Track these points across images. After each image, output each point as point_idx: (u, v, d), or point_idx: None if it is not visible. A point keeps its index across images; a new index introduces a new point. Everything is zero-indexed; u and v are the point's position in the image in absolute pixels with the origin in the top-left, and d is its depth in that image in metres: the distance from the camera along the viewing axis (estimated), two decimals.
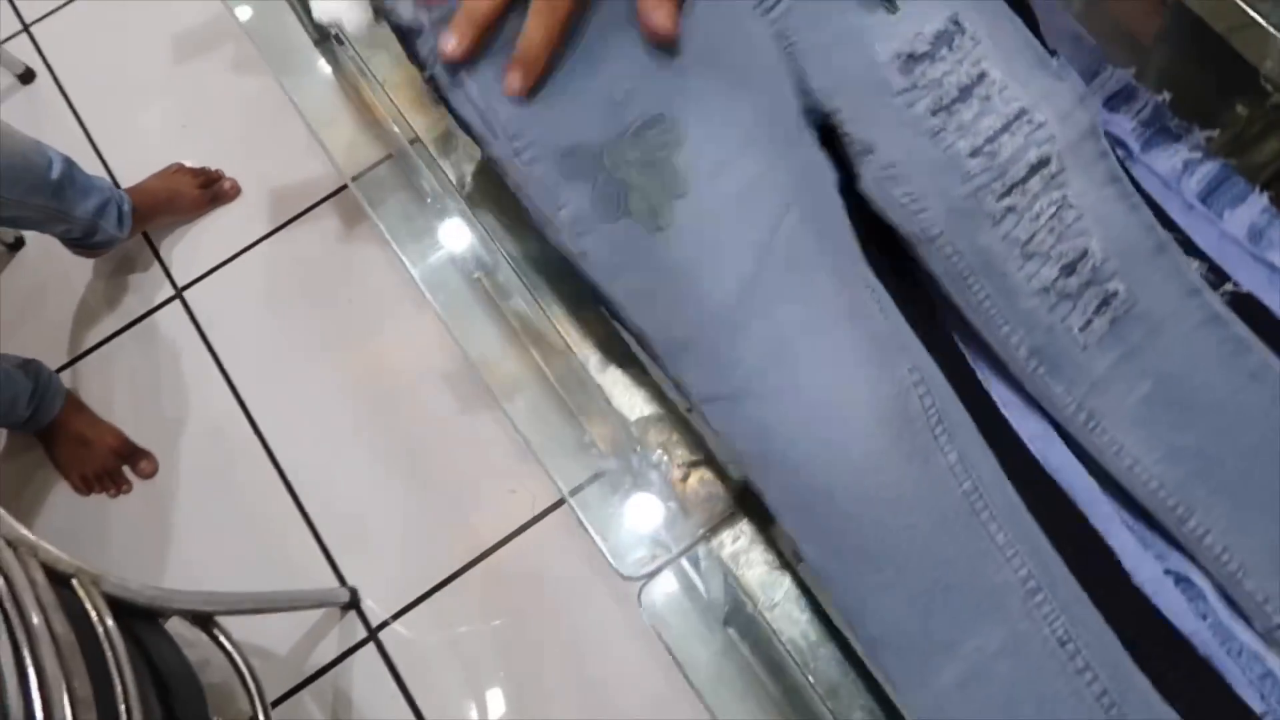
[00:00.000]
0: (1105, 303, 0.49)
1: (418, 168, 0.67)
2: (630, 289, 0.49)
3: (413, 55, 0.52)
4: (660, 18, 0.46)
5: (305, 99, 0.72)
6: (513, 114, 0.49)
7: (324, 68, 0.72)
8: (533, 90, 0.49)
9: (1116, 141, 0.55)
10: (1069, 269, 0.49)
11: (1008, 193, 0.49)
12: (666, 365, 0.50)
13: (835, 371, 0.46)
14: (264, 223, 1.53)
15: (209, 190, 1.51)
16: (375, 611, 1.30)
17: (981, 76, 0.49)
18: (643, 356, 0.55)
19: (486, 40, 0.49)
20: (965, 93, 0.49)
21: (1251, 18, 0.64)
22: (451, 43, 0.48)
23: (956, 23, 0.50)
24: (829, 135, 0.51)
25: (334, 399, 1.40)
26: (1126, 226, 0.50)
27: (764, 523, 0.55)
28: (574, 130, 0.49)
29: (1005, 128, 0.49)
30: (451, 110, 0.52)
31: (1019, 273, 0.49)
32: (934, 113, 0.49)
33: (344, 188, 1.54)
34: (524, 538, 1.31)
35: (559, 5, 0.46)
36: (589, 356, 0.58)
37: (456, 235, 0.64)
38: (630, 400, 0.56)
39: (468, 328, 0.62)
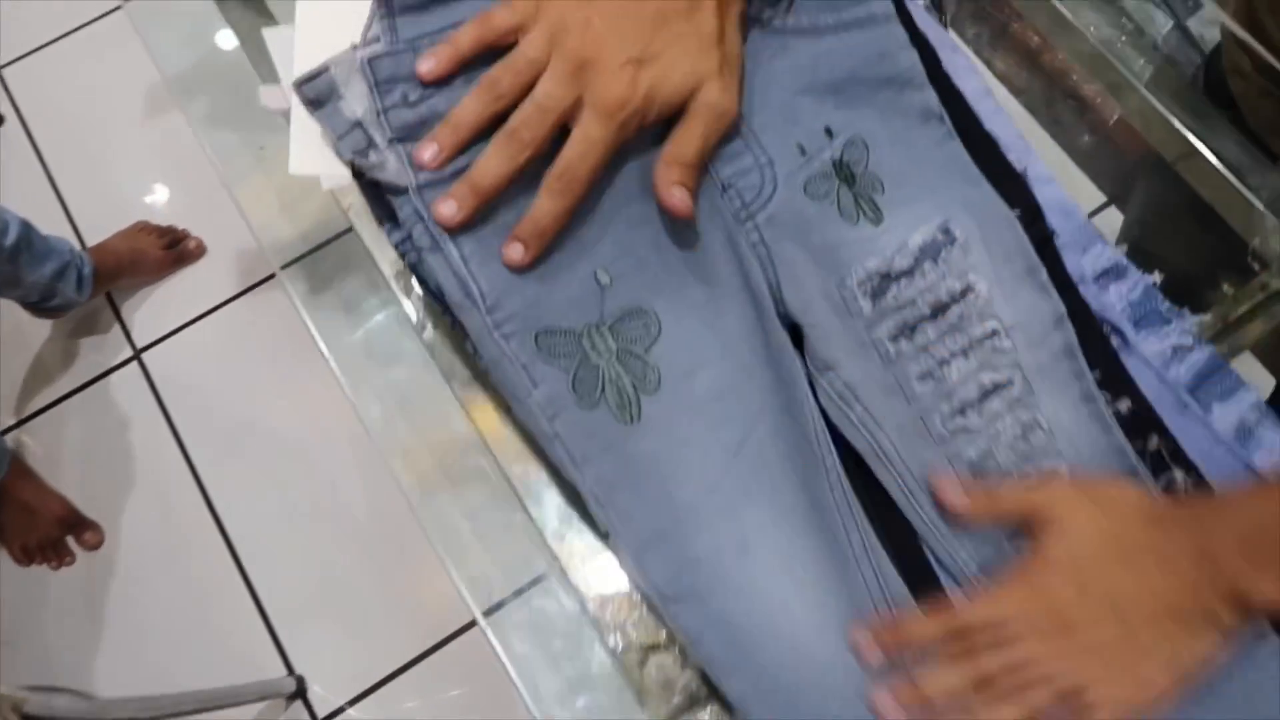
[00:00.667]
0: None
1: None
2: (599, 477, 0.47)
3: (387, 214, 0.50)
4: (675, 200, 0.46)
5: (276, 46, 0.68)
6: (494, 284, 0.47)
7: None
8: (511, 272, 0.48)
9: (1111, 327, 0.53)
10: None
11: (960, 413, 0.48)
12: (629, 557, 0.48)
13: (798, 575, 0.46)
14: (231, 284, 1.50)
15: (174, 251, 1.48)
16: (324, 700, 1.26)
17: (967, 290, 0.49)
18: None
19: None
20: (940, 310, 0.49)
21: (1241, 193, 0.64)
22: (450, 208, 0.46)
23: (946, 231, 0.49)
24: (798, 339, 0.50)
25: (293, 474, 1.36)
26: (1098, 448, 0.48)
27: (724, 713, 0.52)
28: (556, 310, 0.48)
29: (965, 350, 0.48)
30: (421, 275, 0.49)
31: None
32: (894, 338, 0.49)
33: (317, 249, 1.51)
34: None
35: (575, 186, 0.46)
36: (548, 521, 0.55)
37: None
38: (585, 574, 0.53)
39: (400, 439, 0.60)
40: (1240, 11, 0.76)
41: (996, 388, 0.49)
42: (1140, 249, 0.62)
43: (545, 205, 0.46)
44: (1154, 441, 0.50)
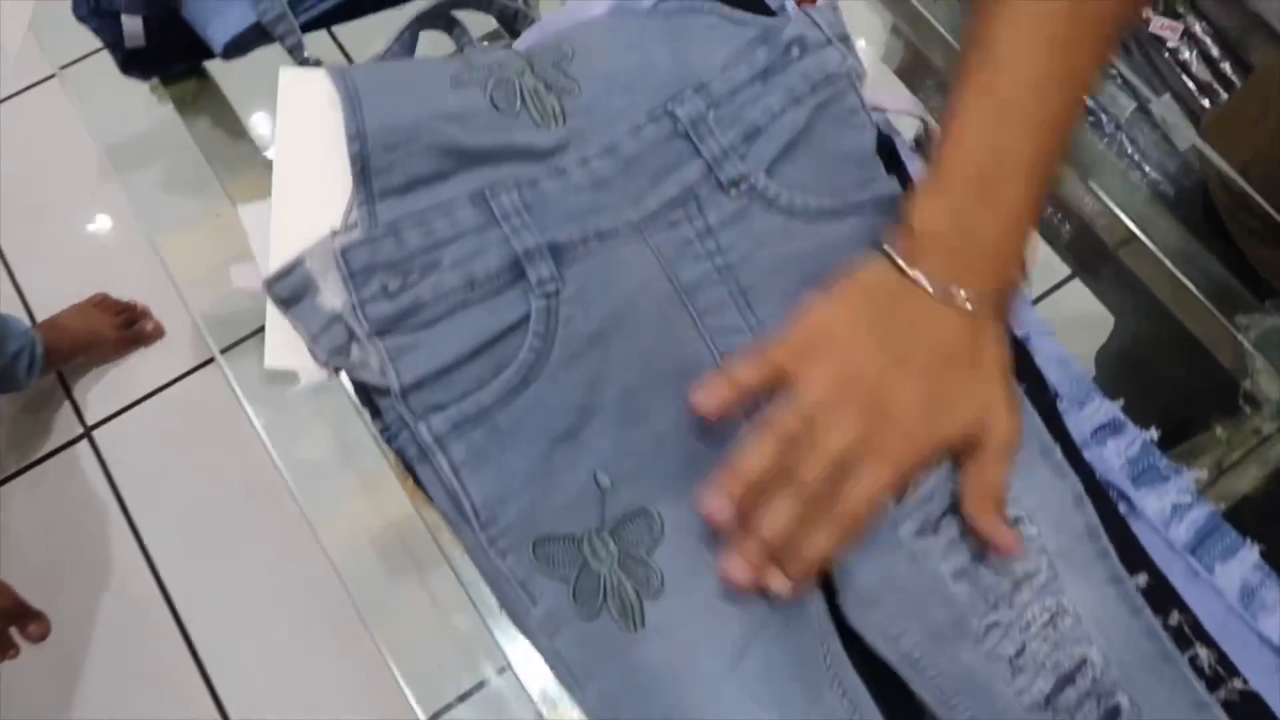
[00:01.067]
0: (1108, 718, 0.45)
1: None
2: (603, 691, 0.45)
3: (376, 414, 0.48)
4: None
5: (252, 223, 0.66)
6: (487, 496, 0.45)
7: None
8: (515, 471, 0.45)
9: (1110, 486, 0.53)
10: (1067, 679, 0.46)
11: (993, 608, 0.46)
12: None
13: None
14: (188, 357, 1.46)
15: (130, 331, 1.43)
16: None
17: None
18: None
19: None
20: (954, 506, 0.46)
21: (1231, 332, 0.64)
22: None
23: None
24: None
25: (255, 562, 1.32)
26: (1129, 631, 0.47)
27: None
28: (554, 516, 0.46)
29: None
30: (418, 481, 0.47)
31: (1008, 689, 0.46)
32: (919, 534, 0.47)
33: (256, 333, 1.48)
34: None
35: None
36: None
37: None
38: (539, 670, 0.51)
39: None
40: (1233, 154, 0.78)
41: (1026, 576, 0.47)
42: (1126, 379, 0.61)
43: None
44: (1175, 617, 0.49)
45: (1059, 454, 0.49)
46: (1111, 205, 0.69)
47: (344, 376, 0.48)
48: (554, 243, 0.47)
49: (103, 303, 1.44)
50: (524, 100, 0.49)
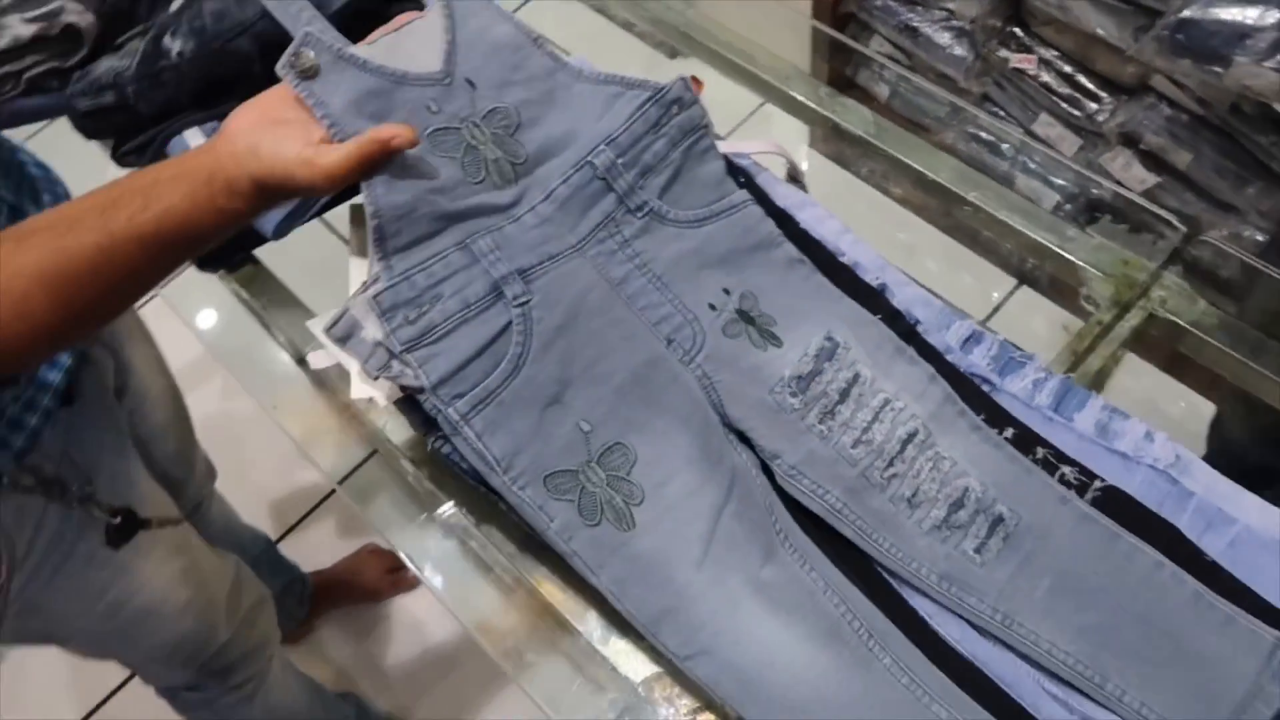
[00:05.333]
0: (995, 526, 0.62)
1: (399, 463, 0.78)
2: (613, 577, 0.62)
3: (422, 423, 0.66)
4: None
5: (287, 414, 0.84)
6: (504, 450, 0.63)
7: (303, 381, 0.85)
8: (520, 431, 0.63)
9: (980, 378, 0.69)
10: (956, 505, 0.63)
11: (889, 465, 0.64)
12: (649, 633, 0.61)
13: (778, 618, 0.60)
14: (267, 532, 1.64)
15: (394, 576, 1.53)
16: None
17: (856, 377, 0.66)
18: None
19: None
20: (844, 395, 0.65)
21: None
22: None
23: (830, 338, 0.67)
24: (747, 439, 0.66)
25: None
26: (995, 460, 0.64)
27: None
28: (554, 458, 0.64)
29: (875, 418, 0.65)
30: (448, 459, 0.65)
31: (909, 520, 0.63)
32: (821, 420, 0.65)
33: (333, 492, 1.67)
34: None
35: None
36: (593, 631, 0.69)
37: (449, 522, 0.75)
38: (633, 664, 0.67)
39: (474, 605, 0.73)
40: None
41: (910, 436, 0.65)
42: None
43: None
44: (1040, 452, 0.66)
45: (911, 352, 0.67)
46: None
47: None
48: (520, 268, 0.66)
49: (374, 551, 1.56)
50: (487, 170, 0.69)
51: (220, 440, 1.72)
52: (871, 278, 0.72)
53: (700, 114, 0.73)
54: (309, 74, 0.64)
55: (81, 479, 0.78)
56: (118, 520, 0.80)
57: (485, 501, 0.69)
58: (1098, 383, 0.75)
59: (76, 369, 0.79)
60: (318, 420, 0.85)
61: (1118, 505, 0.62)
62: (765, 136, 0.81)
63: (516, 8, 2.45)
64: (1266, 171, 1.34)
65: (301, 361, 0.86)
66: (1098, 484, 0.64)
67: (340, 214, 0.81)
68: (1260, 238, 1.39)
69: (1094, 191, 1.53)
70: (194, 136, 0.81)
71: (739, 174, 0.74)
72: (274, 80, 0.66)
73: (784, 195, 0.75)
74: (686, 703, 0.66)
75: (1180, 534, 0.61)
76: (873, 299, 0.70)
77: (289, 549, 1.60)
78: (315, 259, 0.90)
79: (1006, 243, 0.87)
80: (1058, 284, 0.83)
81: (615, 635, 0.68)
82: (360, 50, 0.68)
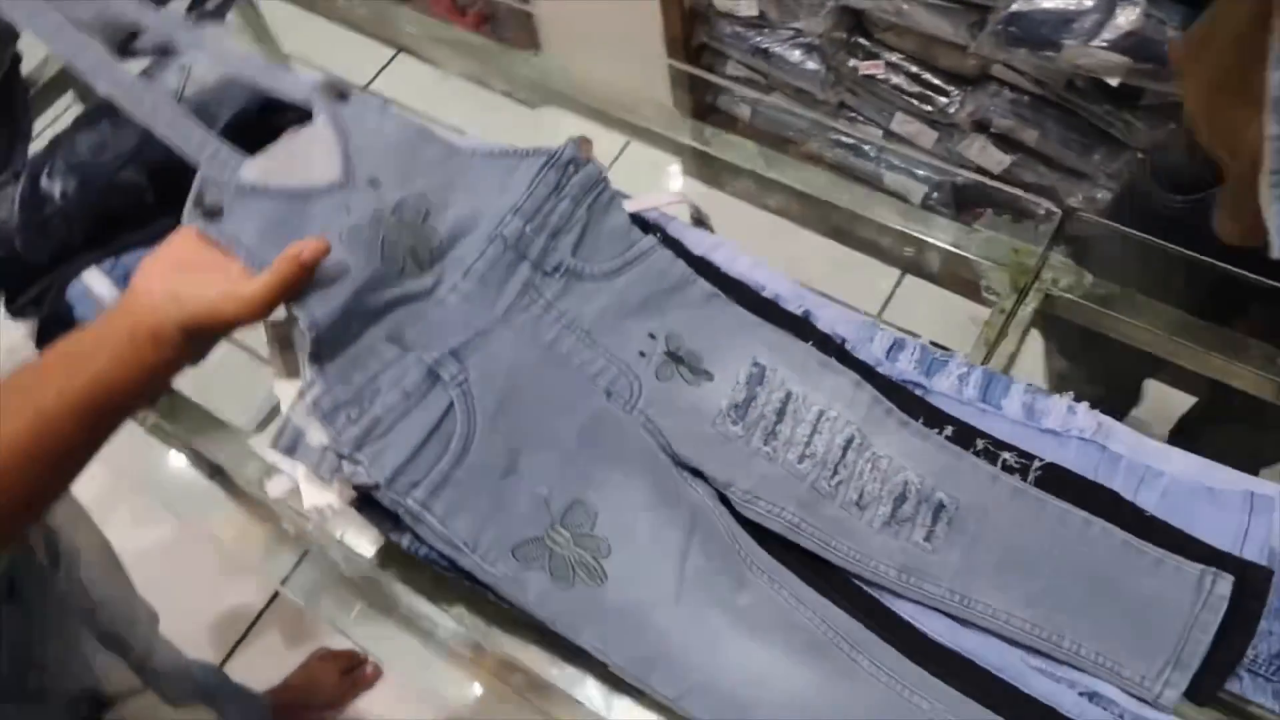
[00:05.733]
0: (938, 513, 0.66)
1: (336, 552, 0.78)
2: (595, 634, 0.63)
3: (388, 523, 0.66)
4: None
5: (213, 527, 0.83)
6: (470, 530, 0.64)
7: (220, 494, 0.84)
8: (481, 507, 0.64)
9: (911, 384, 0.73)
10: (899, 499, 0.66)
11: (834, 473, 0.67)
12: (641, 683, 0.63)
13: (758, 641, 0.63)
14: (211, 657, 1.58)
15: (351, 678, 1.47)
16: None
17: (788, 395, 0.69)
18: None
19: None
20: (780, 414, 0.69)
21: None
22: None
23: (757, 363, 0.70)
24: (699, 473, 0.69)
25: None
26: (927, 451, 0.68)
27: None
28: (519, 528, 0.65)
29: (814, 430, 0.68)
30: (427, 557, 0.65)
31: (861, 522, 0.66)
32: (765, 441, 0.68)
33: (270, 603, 1.62)
34: None
35: None
36: (592, 696, 0.69)
37: (408, 610, 0.75)
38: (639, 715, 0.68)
39: (445, 693, 0.73)
40: None
41: (849, 442, 0.68)
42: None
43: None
44: (979, 443, 0.70)
45: (834, 362, 0.71)
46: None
47: None
48: (452, 348, 0.67)
49: (324, 657, 1.50)
50: (405, 259, 0.70)
51: (141, 571, 1.66)
52: (795, 307, 0.75)
53: (596, 170, 0.76)
54: (215, 214, 0.65)
55: (36, 673, 0.75)
56: (84, 713, 0.77)
57: (437, 582, 0.69)
58: (1012, 366, 0.81)
59: (13, 562, 0.75)
60: (245, 529, 0.84)
61: (1059, 480, 0.67)
62: (659, 186, 0.84)
63: (377, 72, 2.45)
64: (1107, 137, 1.45)
65: (216, 473, 0.85)
66: (1037, 464, 0.68)
67: None
68: (1111, 197, 1.50)
69: (958, 179, 1.63)
70: (95, 279, 0.78)
71: (650, 229, 0.77)
72: (169, 204, 0.66)
73: (696, 241, 0.78)
74: None
75: (1118, 496, 0.66)
76: (800, 327, 0.73)
77: (237, 670, 1.55)
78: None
79: (885, 238, 0.92)
80: (958, 279, 0.88)
81: (616, 696, 0.69)
82: (258, 173, 0.67)
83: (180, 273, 0.61)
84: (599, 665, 0.65)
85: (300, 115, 0.85)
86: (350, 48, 1.50)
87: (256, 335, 0.77)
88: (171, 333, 0.58)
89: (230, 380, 0.92)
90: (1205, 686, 0.61)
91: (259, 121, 0.83)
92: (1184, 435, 1.29)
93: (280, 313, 0.65)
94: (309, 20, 1.20)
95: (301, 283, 0.63)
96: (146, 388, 0.59)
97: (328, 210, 0.69)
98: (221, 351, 0.83)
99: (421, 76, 1.43)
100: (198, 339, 0.60)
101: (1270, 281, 0.80)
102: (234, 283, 0.60)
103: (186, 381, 0.85)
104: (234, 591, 1.63)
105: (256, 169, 0.68)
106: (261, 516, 0.83)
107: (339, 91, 0.73)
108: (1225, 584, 0.61)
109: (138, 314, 0.58)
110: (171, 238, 0.65)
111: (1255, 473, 0.69)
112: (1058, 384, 0.80)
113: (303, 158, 0.70)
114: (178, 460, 0.87)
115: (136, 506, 1.76)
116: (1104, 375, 1.23)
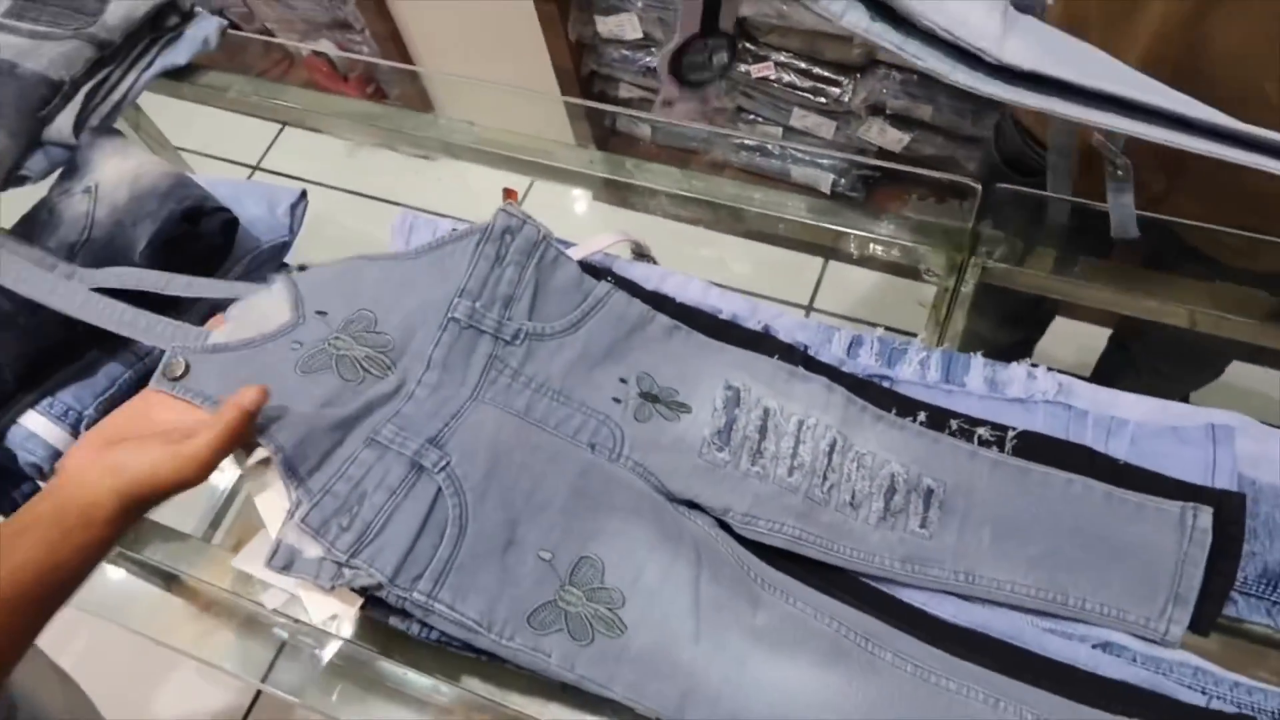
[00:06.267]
0: (928, 498, 0.68)
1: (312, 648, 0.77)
2: (626, 684, 0.63)
3: (384, 611, 0.65)
4: None
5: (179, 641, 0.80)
6: (481, 610, 0.63)
7: (179, 603, 0.82)
8: (488, 585, 0.64)
9: (877, 377, 0.75)
10: (890, 492, 0.68)
11: (824, 479, 0.69)
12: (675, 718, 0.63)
13: (783, 656, 0.63)
14: None
15: None
16: None
17: (766, 412, 0.71)
18: None
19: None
20: (763, 431, 0.70)
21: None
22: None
23: (730, 386, 0.72)
24: (696, 505, 0.70)
25: None
26: (906, 439, 0.70)
27: None
28: (530, 597, 0.65)
29: (798, 440, 0.70)
30: (445, 640, 0.65)
31: (857, 521, 0.68)
32: (753, 461, 0.70)
33: (259, 694, 1.58)
34: None
35: None
36: None
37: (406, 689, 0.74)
38: None
39: None
40: None
41: (832, 446, 0.70)
42: None
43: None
44: (953, 424, 0.72)
45: (802, 371, 0.73)
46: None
47: None
48: (429, 438, 0.68)
49: None
50: (363, 368, 0.71)
51: (114, 698, 1.60)
52: (754, 324, 0.77)
53: (534, 231, 0.76)
54: (180, 375, 0.67)
55: None
56: None
57: (435, 653, 0.68)
58: (965, 343, 0.83)
59: None
60: (211, 632, 0.82)
61: (1035, 446, 0.70)
62: (572, 216, 0.84)
63: (266, 148, 2.40)
64: (995, 102, 1.50)
65: (171, 582, 0.83)
66: (1011, 434, 0.70)
67: None
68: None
69: (860, 164, 1.68)
70: (35, 421, 0.76)
71: (600, 274, 0.78)
72: (97, 334, 0.65)
73: (644, 276, 0.79)
74: None
75: (1092, 451, 0.69)
76: (763, 343, 0.74)
77: None
78: None
79: (802, 232, 0.94)
80: (898, 266, 0.91)
81: None
82: (222, 337, 0.70)
83: (114, 445, 0.61)
84: (625, 711, 0.65)
85: (225, 219, 0.85)
86: (235, 130, 1.47)
87: None
88: (106, 508, 0.57)
89: None
90: (1205, 616, 0.64)
91: (183, 233, 0.82)
92: (1103, 377, 1.35)
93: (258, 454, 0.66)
94: (183, 107, 1.17)
95: (246, 430, 0.63)
96: (80, 567, 0.58)
97: (281, 349, 0.71)
98: None
99: (321, 148, 1.42)
100: (134, 508, 0.59)
101: (1151, 214, 0.84)
102: (176, 442, 0.60)
103: None
104: (216, 696, 1.59)
105: (222, 335, 0.71)
106: (225, 618, 0.81)
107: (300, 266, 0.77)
108: (1206, 516, 0.64)
109: (65, 495, 0.58)
110: (98, 425, 0.66)
111: (1186, 400, 0.72)
112: (969, 340, 0.82)
113: (256, 311, 0.73)
114: (117, 574, 0.84)
115: (93, 639, 1.70)
116: (1013, 320, 1.29)
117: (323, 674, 0.77)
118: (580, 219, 1.58)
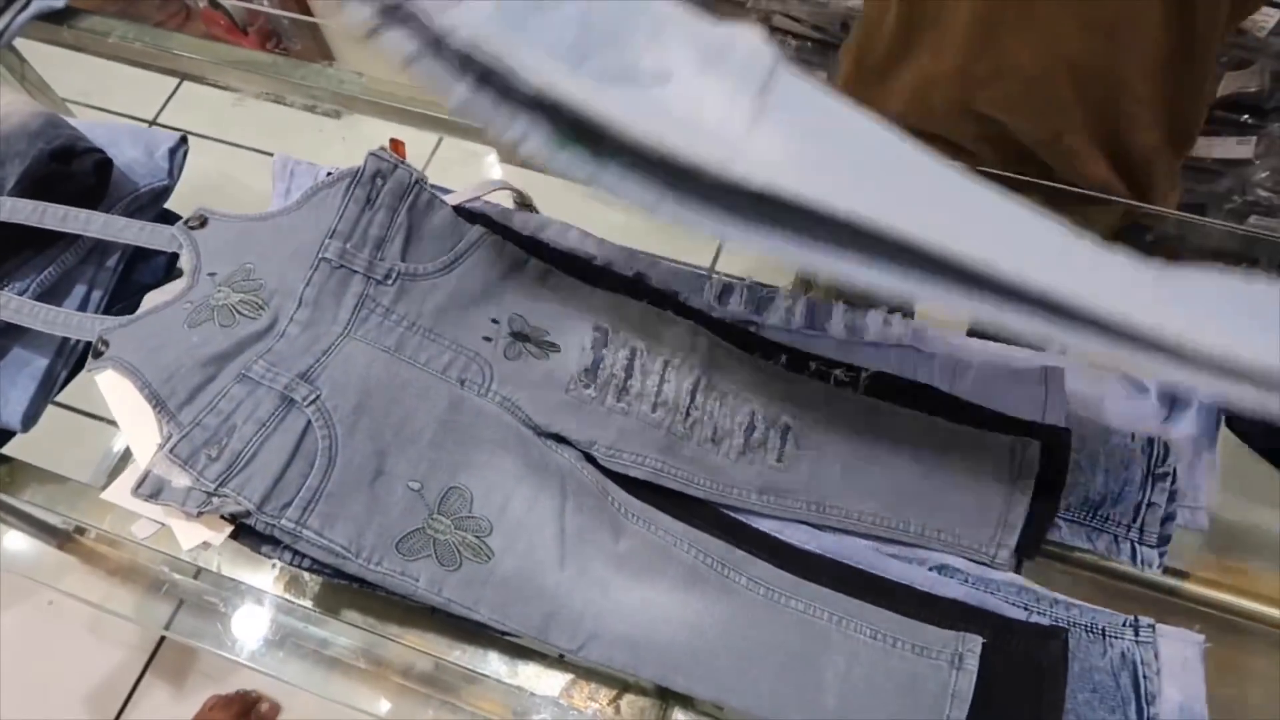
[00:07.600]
0: (785, 435, 0.72)
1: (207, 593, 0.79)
2: (491, 606, 0.66)
3: (258, 543, 0.67)
4: None
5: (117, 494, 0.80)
6: (349, 536, 0.66)
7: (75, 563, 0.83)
8: (358, 513, 0.66)
9: (745, 322, 0.79)
10: (749, 429, 0.72)
11: (686, 416, 0.72)
12: (539, 640, 0.66)
13: (644, 581, 0.67)
14: None
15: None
16: None
17: (633, 352, 0.74)
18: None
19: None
20: (629, 371, 0.73)
21: None
22: None
23: (599, 328, 0.74)
24: (562, 438, 0.72)
25: None
26: (766, 381, 0.74)
27: (686, 703, 0.71)
28: (398, 524, 0.67)
29: (662, 379, 0.73)
30: (311, 566, 0.67)
31: (718, 456, 0.72)
32: (618, 398, 0.73)
33: (160, 643, 1.57)
34: None
35: None
36: (498, 670, 0.73)
37: (291, 621, 0.77)
38: (545, 682, 0.71)
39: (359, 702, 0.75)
40: None
41: (695, 385, 0.73)
42: None
43: None
44: (812, 365, 0.74)
45: (670, 314, 0.76)
46: None
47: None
48: (300, 373, 0.70)
49: (215, 705, 1.46)
50: (237, 312, 0.72)
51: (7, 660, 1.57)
52: (627, 270, 0.79)
53: (407, 175, 0.77)
54: (101, 353, 0.71)
55: None
56: None
57: (319, 599, 0.70)
58: (831, 293, 0.87)
59: None
60: (111, 592, 0.82)
61: (885, 386, 0.74)
62: (479, 176, 0.86)
63: (163, 104, 2.34)
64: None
65: (69, 539, 0.83)
66: (864, 374, 0.75)
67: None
68: None
69: None
70: None
71: (477, 219, 0.79)
72: None
73: (522, 223, 0.81)
74: (605, 693, 0.71)
75: (937, 390, 0.73)
76: (635, 288, 0.77)
77: None
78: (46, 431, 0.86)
79: None
80: None
81: (520, 662, 0.72)
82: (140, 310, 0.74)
83: None
84: (500, 639, 0.68)
85: (98, 159, 0.84)
86: (130, 84, 1.44)
87: (85, 395, 0.76)
88: None
89: (65, 440, 0.90)
90: (1031, 540, 0.69)
91: (53, 172, 0.81)
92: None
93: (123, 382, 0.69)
94: (80, 61, 1.15)
95: None
96: None
97: (176, 311, 0.73)
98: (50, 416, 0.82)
99: (214, 101, 1.40)
100: None
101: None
102: None
103: (18, 447, 0.84)
104: (110, 657, 1.57)
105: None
106: (125, 574, 0.82)
107: (201, 219, 0.78)
108: (1034, 449, 0.69)
109: None
110: None
111: None
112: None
113: (169, 287, 0.76)
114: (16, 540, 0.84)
115: None
116: None
117: (222, 630, 0.79)
118: (483, 176, 1.59)
